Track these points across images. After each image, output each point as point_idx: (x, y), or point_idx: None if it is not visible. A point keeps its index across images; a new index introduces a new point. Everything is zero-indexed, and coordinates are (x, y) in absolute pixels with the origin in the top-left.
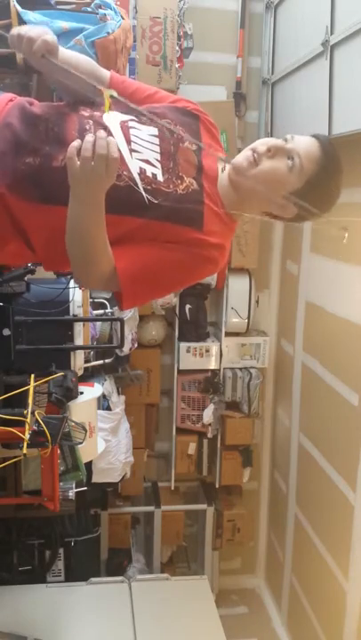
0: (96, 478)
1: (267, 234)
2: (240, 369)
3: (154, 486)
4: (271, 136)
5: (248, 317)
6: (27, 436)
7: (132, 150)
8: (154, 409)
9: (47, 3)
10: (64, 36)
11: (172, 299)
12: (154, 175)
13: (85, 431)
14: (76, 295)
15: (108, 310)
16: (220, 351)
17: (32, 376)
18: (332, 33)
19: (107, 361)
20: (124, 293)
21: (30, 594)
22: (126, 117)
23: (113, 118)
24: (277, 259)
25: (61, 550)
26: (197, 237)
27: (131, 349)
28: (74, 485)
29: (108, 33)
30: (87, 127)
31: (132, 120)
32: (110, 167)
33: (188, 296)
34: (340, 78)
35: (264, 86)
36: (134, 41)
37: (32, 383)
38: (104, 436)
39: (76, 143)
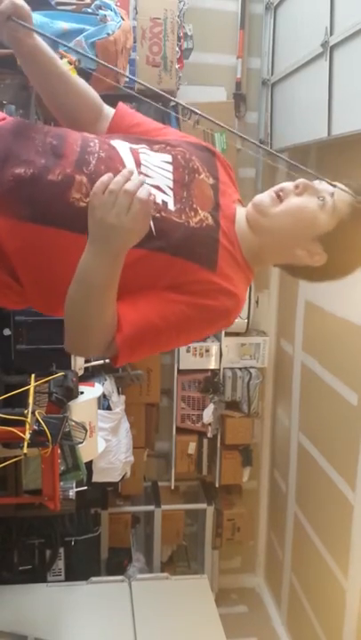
0: (96, 478)
1: None
2: (240, 369)
3: (154, 486)
4: (271, 137)
5: (248, 317)
6: (27, 436)
7: (141, 174)
8: (154, 409)
9: (47, 3)
10: (64, 36)
11: None
12: (164, 203)
13: (86, 431)
14: None
15: None
16: (220, 351)
17: (32, 376)
18: (331, 34)
19: (107, 361)
20: (121, 358)
21: (31, 593)
22: (136, 145)
23: (121, 144)
24: None
25: (62, 550)
26: (209, 279)
27: None
28: (74, 485)
29: (109, 34)
30: (91, 144)
31: (142, 147)
32: (135, 211)
33: None
34: (340, 79)
35: (264, 87)
36: (134, 42)
37: (32, 383)
38: (104, 436)
39: (105, 178)
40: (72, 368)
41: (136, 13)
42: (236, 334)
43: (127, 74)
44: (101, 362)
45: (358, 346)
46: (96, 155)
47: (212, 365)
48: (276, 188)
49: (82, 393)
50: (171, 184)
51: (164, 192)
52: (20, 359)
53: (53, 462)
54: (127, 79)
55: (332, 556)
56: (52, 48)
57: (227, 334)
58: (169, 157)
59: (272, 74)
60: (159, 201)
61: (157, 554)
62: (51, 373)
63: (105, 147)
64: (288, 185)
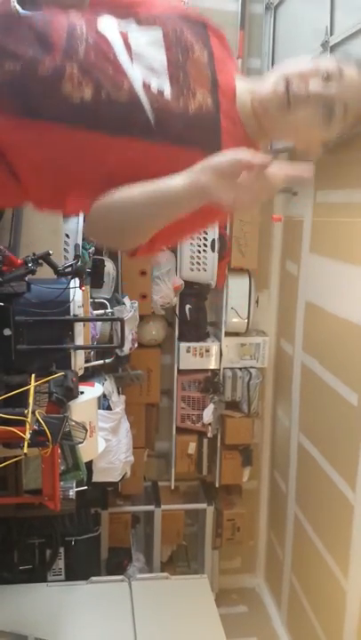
0: (96, 478)
1: (266, 234)
2: (240, 369)
3: (154, 486)
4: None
5: (248, 317)
6: (27, 436)
7: (132, 58)
8: (154, 409)
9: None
10: None
11: (172, 299)
12: (160, 92)
13: (86, 431)
14: (77, 295)
15: (109, 310)
16: (220, 351)
17: (32, 376)
18: (331, 34)
19: (107, 361)
20: (140, 253)
21: (31, 593)
22: (124, 25)
23: (107, 24)
24: (277, 259)
25: (62, 549)
26: None
27: (131, 349)
28: (74, 485)
29: None
30: (78, 30)
31: (131, 26)
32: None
33: (188, 296)
34: None
35: None
36: None
37: (32, 383)
38: (104, 436)
39: (234, 162)
40: (72, 368)
41: None
42: (236, 334)
43: None
44: (101, 362)
45: (358, 346)
46: (84, 42)
47: (212, 365)
48: (286, 72)
49: (82, 393)
50: (165, 64)
51: (158, 74)
52: (20, 359)
53: (53, 462)
54: None
55: (333, 556)
56: None
57: (227, 334)
58: (160, 35)
59: None
60: (155, 89)
61: (157, 554)
62: (51, 373)
63: (92, 33)
64: (299, 84)
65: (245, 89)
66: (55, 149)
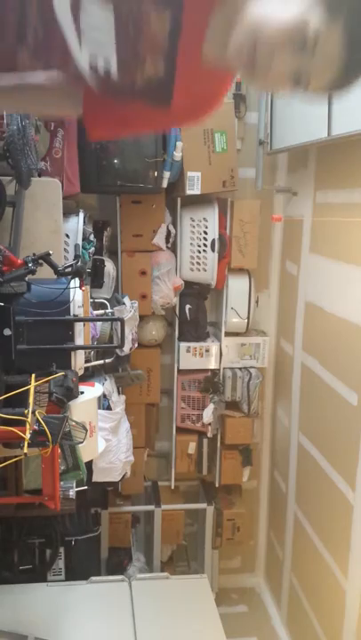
0: (96, 477)
1: (266, 234)
2: (240, 369)
3: (154, 485)
4: (271, 137)
5: (248, 317)
6: (27, 436)
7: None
8: (154, 408)
9: None
10: None
11: (172, 299)
12: (107, 72)
13: (86, 431)
14: (77, 295)
15: (109, 310)
16: (220, 351)
17: (33, 376)
18: None
19: (107, 361)
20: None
21: (31, 593)
22: None
23: None
24: (277, 259)
25: (62, 549)
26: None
27: (131, 349)
28: (74, 484)
29: None
30: (28, 11)
31: None
32: None
33: (188, 296)
34: None
35: None
36: None
37: (33, 383)
38: (104, 436)
39: None
40: (72, 368)
41: None
42: (236, 334)
43: None
44: (101, 362)
45: (358, 346)
46: (32, 27)
47: (212, 365)
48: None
49: (82, 393)
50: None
51: (105, 50)
52: (21, 359)
53: (53, 462)
54: None
55: (333, 556)
56: None
57: (227, 334)
58: (111, 12)
59: None
60: (101, 69)
61: (157, 553)
62: (51, 373)
63: (41, 13)
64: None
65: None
66: None
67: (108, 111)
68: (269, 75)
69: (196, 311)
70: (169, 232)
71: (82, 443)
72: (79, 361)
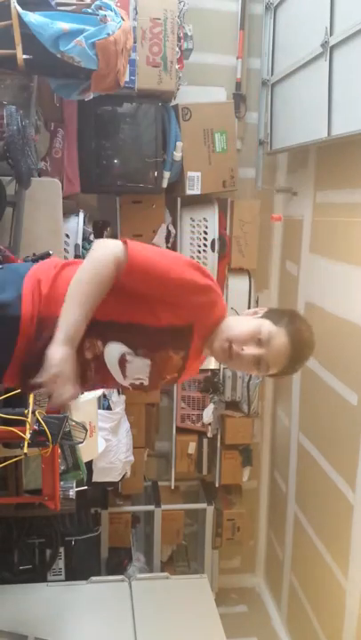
0: (96, 477)
1: (266, 234)
2: None
3: (154, 485)
4: (271, 137)
5: None
6: (27, 436)
7: (125, 376)
8: (154, 408)
9: (48, 4)
10: (64, 37)
11: None
12: (141, 383)
13: (86, 431)
14: None
15: None
16: None
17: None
18: (331, 34)
19: None
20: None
21: (31, 593)
22: (124, 350)
23: (112, 355)
24: (277, 259)
25: (62, 549)
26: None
27: None
28: (74, 484)
29: (109, 34)
30: (89, 374)
31: (129, 355)
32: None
33: None
34: (340, 79)
35: (264, 87)
36: (134, 42)
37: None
38: (104, 436)
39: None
40: None
41: (136, 14)
42: None
43: (127, 74)
44: None
45: (358, 346)
46: (92, 378)
47: (212, 365)
48: (230, 337)
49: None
50: (148, 376)
51: (142, 380)
52: None
53: (53, 462)
54: (127, 80)
55: (332, 556)
56: (53, 48)
57: None
58: (149, 362)
59: (272, 74)
60: (138, 383)
61: (157, 554)
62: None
63: (99, 369)
64: (236, 348)
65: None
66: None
67: None
68: (243, 362)
69: None
70: (169, 232)
71: (82, 443)
72: None
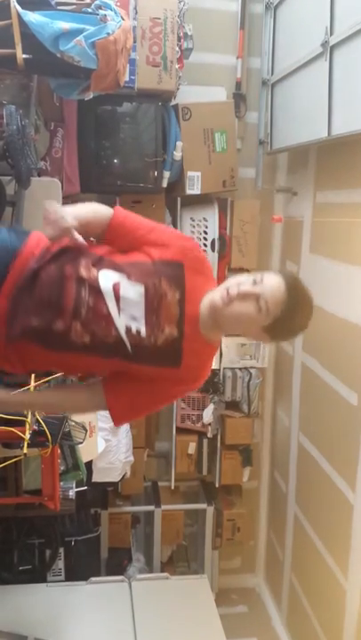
0: (96, 478)
1: (266, 234)
2: (240, 369)
3: (154, 486)
4: (271, 137)
5: None
6: (27, 436)
7: (120, 309)
8: None
9: (47, 3)
10: (64, 36)
11: None
12: (138, 332)
13: (85, 431)
14: None
15: None
16: (220, 351)
17: (33, 376)
18: (331, 34)
19: None
20: (115, 420)
21: (31, 593)
22: (117, 278)
23: (106, 279)
24: (277, 259)
25: (62, 550)
26: (174, 375)
27: None
28: (74, 485)
29: (109, 34)
30: (83, 294)
31: (122, 280)
32: None
33: None
34: (340, 79)
35: (264, 87)
36: (134, 42)
37: (32, 383)
38: (104, 436)
39: None
40: None
41: (136, 13)
42: (236, 334)
43: (127, 74)
44: None
45: (358, 346)
46: (86, 305)
47: (212, 365)
48: (227, 284)
49: None
50: (143, 313)
51: (137, 320)
52: None
53: (53, 462)
54: (127, 79)
55: (332, 556)
56: (52, 48)
57: (227, 334)
58: (142, 289)
59: (272, 74)
60: (134, 331)
61: (157, 554)
62: (51, 373)
63: (93, 295)
64: (233, 290)
65: (207, 299)
66: (68, 362)
67: (125, 393)
68: (243, 304)
69: None
70: None
71: (81, 443)
72: None
